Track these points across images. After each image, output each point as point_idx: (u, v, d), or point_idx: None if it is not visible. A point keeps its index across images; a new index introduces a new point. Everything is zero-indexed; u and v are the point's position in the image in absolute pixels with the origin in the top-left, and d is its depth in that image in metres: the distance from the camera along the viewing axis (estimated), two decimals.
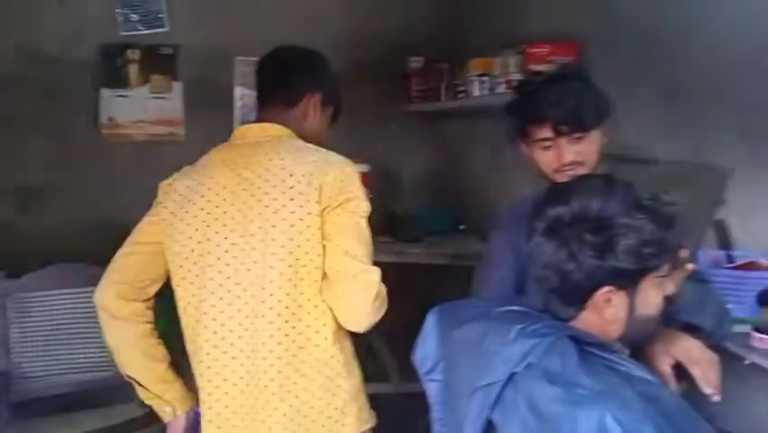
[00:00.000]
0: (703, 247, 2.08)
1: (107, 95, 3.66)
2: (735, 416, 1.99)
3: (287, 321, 1.42)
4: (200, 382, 1.50)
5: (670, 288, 1.14)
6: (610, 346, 1.06)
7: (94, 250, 3.13)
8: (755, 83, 2.01)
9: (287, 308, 1.42)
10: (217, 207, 1.49)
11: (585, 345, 1.02)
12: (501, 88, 2.91)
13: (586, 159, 1.45)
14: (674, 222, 1.07)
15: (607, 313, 1.08)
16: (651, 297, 1.10)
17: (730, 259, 1.96)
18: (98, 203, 3.58)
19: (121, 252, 1.61)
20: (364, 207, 1.49)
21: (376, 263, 1.48)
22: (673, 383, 1.20)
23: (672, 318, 1.31)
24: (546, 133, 1.43)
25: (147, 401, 1.59)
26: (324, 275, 1.43)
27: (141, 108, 3.73)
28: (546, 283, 1.11)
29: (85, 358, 2.57)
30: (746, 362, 1.65)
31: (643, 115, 2.42)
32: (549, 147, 1.44)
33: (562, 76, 1.49)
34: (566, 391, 0.91)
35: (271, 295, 1.42)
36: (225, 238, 1.46)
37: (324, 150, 1.55)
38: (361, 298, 1.38)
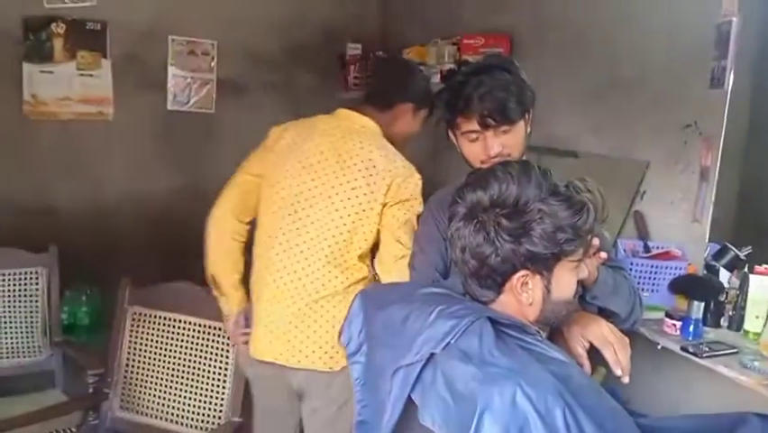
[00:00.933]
0: (622, 237, 2.18)
1: (31, 70, 3.49)
2: (649, 399, 2.10)
3: (330, 271, 1.75)
4: (253, 287, 1.91)
5: (584, 272, 1.19)
6: (527, 328, 1.09)
7: (15, 234, 3.01)
8: (673, 81, 2.11)
9: (334, 260, 1.75)
10: (311, 165, 1.81)
11: (502, 327, 1.05)
12: (436, 78, 2.94)
13: (512, 150, 1.48)
14: (588, 208, 1.11)
15: (523, 296, 1.11)
16: (566, 281, 1.13)
17: (647, 248, 2.06)
18: (20, 185, 3.42)
19: (233, 180, 2.07)
20: (418, 208, 1.76)
21: None
22: (587, 365, 1.26)
23: (589, 304, 1.38)
24: (473, 126, 1.45)
25: (217, 296, 1.97)
26: (376, 250, 1.79)
27: (66, 85, 3.56)
28: (465, 267, 1.13)
29: (4, 343, 2.47)
30: (659, 347, 1.74)
31: (570, 109, 2.51)
32: (476, 139, 1.46)
33: (487, 67, 1.50)
34: (481, 370, 0.94)
35: (328, 247, 1.76)
36: (309, 190, 1.80)
37: (399, 155, 1.83)
38: (401, 271, 1.67)
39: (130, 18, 3.64)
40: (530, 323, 1.12)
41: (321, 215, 1.78)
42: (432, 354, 1.03)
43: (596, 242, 1.20)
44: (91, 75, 3.64)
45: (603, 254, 1.28)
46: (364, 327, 1.25)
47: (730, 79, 1.90)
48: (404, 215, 1.75)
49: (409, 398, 1.07)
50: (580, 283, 1.23)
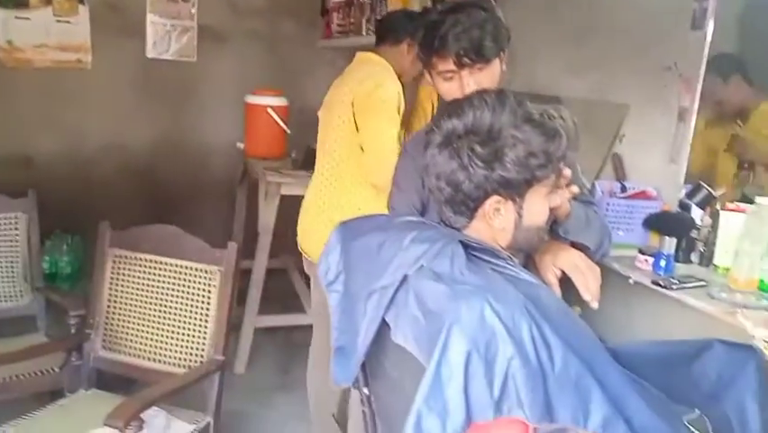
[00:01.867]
0: (601, 179, 2.20)
1: (6, 16, 3.42)
2: (622, 333, 2.16)
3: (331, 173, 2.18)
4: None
5: (555, 200, 1.21)
6: (498, 253, 1.12)
7: None
8: (654, 24, 2.11)
9: (336, 166, 2.16)
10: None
11: (474, 251, 1.08)
12: None
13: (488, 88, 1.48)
14: (560, 134, 1.13)
15: (495, 222, 1.14)
16: (537, 207, 1.16)
17: (624, 189, 2.09)
18: None
19: None
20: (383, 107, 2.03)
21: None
22: (557, 292, 1.29)
23: (561, 238, 1.41)
24: (448, 65, 1.43)
25: None
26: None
27: (43, 32, 3.51)
28: (440, 194, 1.16)
29: None
30: (631, 281, 1.78)
31: (551, 54, 2.50)
32: (451, 78, 1.45)
33: (462, 6, 1.46)
34: (451, 288, 0.97)
35: (333, 159, 2.18)
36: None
37: (380, 75, 2.08)
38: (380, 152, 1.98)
39: None
40: (502, 249, 1.15)
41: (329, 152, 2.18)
42: (405, 277, 1.06)
43: (567, 172, 1.22)
44: (68, 21, 3.58)
45: (574, 188, 1.30)
46: (342, 257, 1.27)
47: (711, 20, 1.90)
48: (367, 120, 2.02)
49: (384, 321, 1.10)
50: (554, 217, 1.26)
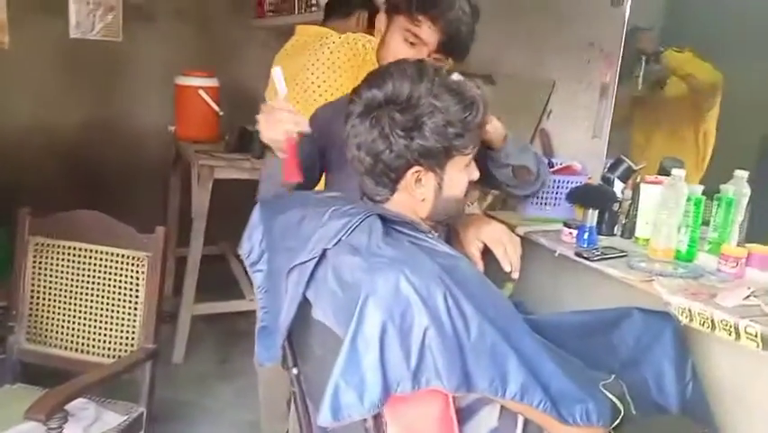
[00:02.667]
0: None
1: None
2: (550, 306, 2.21)
3: None
4: None
5: (474, 173, 1.22)
6: (418, 226, 1.13)
7: None
8: (575, 2, 2.15)
9: None
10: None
11: (393, 225, 1.09)
12: None
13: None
14: (477, 104, 1.14)
15: (416, 192, 1.15)
16: (457, 179, 1.18)
17: (551, 165, 2.13)
18: None
19: None
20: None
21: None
22: (480, 264, 1.32)
23: (504, 166, 1.44)
24: (428, 35, 1.39)
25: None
26: None
27: None
28: (360, 165, 1.16)
29: None
30: (556, 254, 1.83)
31: (482, 32, 2.50)
32: (413, 45, 1.41)
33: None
34: (366, 261, 0.97)
35: None
36: None
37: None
38: None
39: None
40: (422, 220, 1.16)
41: None
42: (324, 252, 1.05)
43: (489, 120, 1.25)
44: None
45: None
46: (265, 236, 1.26)
47: None
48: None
49: (306, 299, 1.10)
50: (489, 147, 1.31)
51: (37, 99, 3.58)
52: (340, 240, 1.03)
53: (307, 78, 1.97)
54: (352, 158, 1.16)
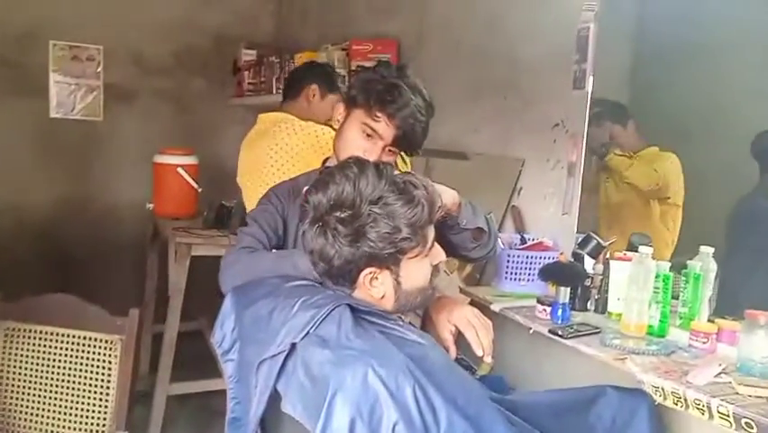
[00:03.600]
0: (501, 232, 2.28)
1: None
2: (530, 381, 2.21)
3: None
4: None
5: (437, 257, 1.24)
6: (386, 315, 1.14)
7: None
8: (541, 83, 2.24)
9: None
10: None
11: (363, 314, 1.10)
12: None
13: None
14: (422, 204, 1.14)
15: (373, 291, 1.16)
16: (416, 270, 1.18)
17: (524, 241, 2.17)
18: None
19: None
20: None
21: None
22: (452, 349, 1.32)
23: (462, 230, 1.47)
24: (383, 129, 1.45)
25: None
26: None
27: None
28: (316, 268, 1.18)
29: None
30: (531, 331, 1.84)
31: (451, 111, 2.60)
32: (369, 137, 1.46)
33: (418, 88, 1.48)
34: (335, 354, 0.98)
35: None
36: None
37: (288, 129, 2.12)
38: None
39: (6, 21, 3.48)
40: (389, 312, 1.17)
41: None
42: (294, 345, 1.06)
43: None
44: None
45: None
46: (237, 325, 1.26)
47: (590, 81, 2.04)
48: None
49: (276, 391, 1.09)
50: (446, 215, 1.33)
51: (10, 178, 3.58)
52: (308, 333, 1.03)
53: (267, 162, 2.10)
54: (311, 261, 1.18)
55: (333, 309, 1.05)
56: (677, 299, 1.76)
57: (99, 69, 3.73)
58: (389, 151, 1.49)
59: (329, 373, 0.96)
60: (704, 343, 1.61)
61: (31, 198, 3.64)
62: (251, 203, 2.22)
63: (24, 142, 3.61)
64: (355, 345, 0.99)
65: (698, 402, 1.35)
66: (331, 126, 2.27)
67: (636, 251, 1.79)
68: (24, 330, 2.04)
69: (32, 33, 3.54)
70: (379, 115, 1.45)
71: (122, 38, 3.74)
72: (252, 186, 2.19)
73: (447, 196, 1.36)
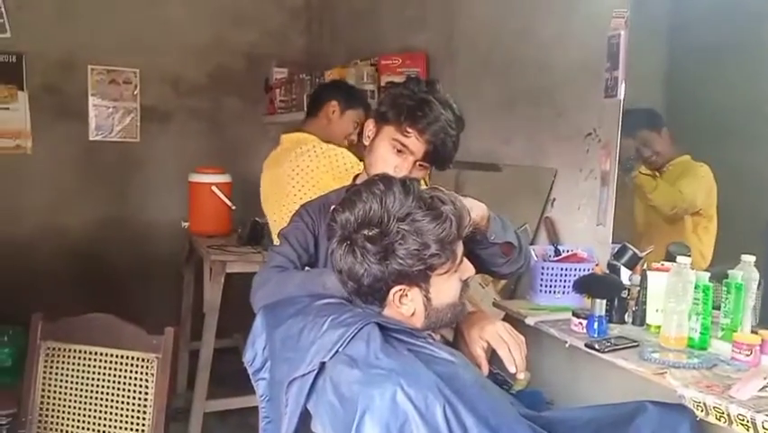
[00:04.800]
0: (535, 244, 2.25)
1: None
2: (569, 396, 2.17)
3: None
4: None
5: (467, 272, 1.22)
6: (416, 332, 1.13)
7: None
8: (572, 92, 2.21)
9: None
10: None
11: (391, 332, 1.09)
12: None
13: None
14: (450, 219, 1.13)
15: (403, 309, 1.15)
16: (446, 286, 1.17)
17: (557, 252, 2.13)
18: None
19: None
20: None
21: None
22: (484, 365, 1.30)
23: (491, 245, 1.44)
24: (414, 144, 1.45)
25: None
26: None
27: None
28: (345, 287, 1.18)
29: None
30: (567, 345, 1.80)
31: (482, 123, 2.59)
32: (400, 153, 1.47)
33: (448, 103, 1.48)
34: (364, 373, 0.97)
35: None
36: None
37: (309, 152, 2.16)
38: None
39: (47, 49, 3.59)
40: (419, 329, 1.15)
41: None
42: (323, 363, 1.05)
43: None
44: (7, 108, 3.58)
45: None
46: (267, 344, 1.26)
47: (622, 89, 2.00)
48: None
49: (307, 410, 1.09)
50: (476, 232, 1.31)
51: (54, 199, 3.69)
52: (337, 351, 1.03)
53: (287, 184, 2.15)
54: (339, 280, 1.18)
55: (361, 328, 1.05)
56: (718, 309, 1.70)
57: (136, 92, 3.82)
58: (420, 166, 1.49)
59: (358, 392, 0.95)
60: (747, 355, 1.55)
61: (72, 218, 3.75)
62: (275, 228, 2.28)
63: (66, 164, 3.72)
64: (384, 364, 0.98)
65: (741, 418, 1.30)
66: (351, 142, 2.33)
67: (674, 261, 1.74)
68: (64, 349, 2.09)
69: (71, 60, 3.65)
70: (409, 130, 1.45)
71: (157, 61, 3.83)
72: (274, 211, 2.28)
73: (475, 209, 1.35)
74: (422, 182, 1.48)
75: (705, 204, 2.02)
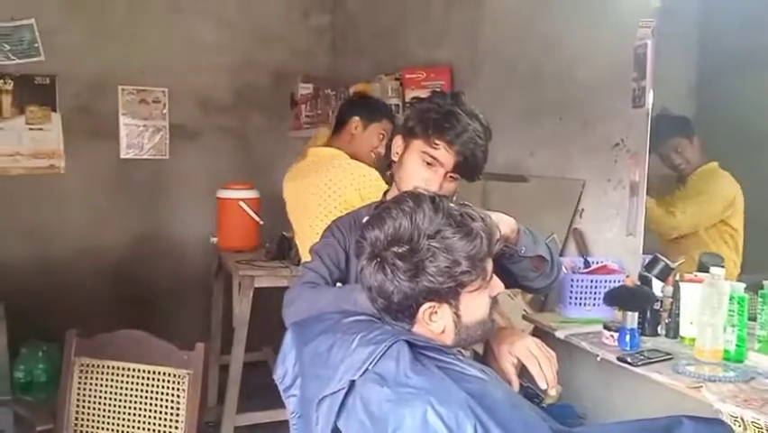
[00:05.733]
0: (564, 255, 2.23)
1: None
2: (601, 410, 2.13)
3: None
4: None
5: (496, 288, 1.22)
6: (446, 349, 1.12)
7: None
8: (599, 103, 2.20)
9: None
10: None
11: (421, 349, 1.08)
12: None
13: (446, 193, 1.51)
14: (481, 237, 1.12)
15: (432, 326, 1.14)
16: (476, 303, 1.16)
17: (587, 264, 2.11)
18: None
19: None
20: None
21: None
22: (515, 381, 1.29)
23: (521, 259, 1.43)
24: (443, 156, 1.45)
25: None
26: None
27: (16, 140, 3.58)
28: (375, 304, 1.17)
29: None
30: (598, 358, 1.77)
31: (508, 135, 2.58)
32: (430, 166, 1.47)
33: (476, 114, 1.48)
34: (394, 392, 0.97)
35: None
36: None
37: (341, 168, 2.21)
38: None
39: (78, 71, 3.68)
40: (449, 347, 1.15)
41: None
42: (353, 381, 1.05)
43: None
44: (41, 129, 3.67)
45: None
46: (297, 361, 1.27)
47: (650, 98, 1.98)
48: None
49: (337, 428, 1.09)
50: (506, 246, 1.31)
51: (87, 217, 3.77)
52: (367, 369, 1.03)
53: (314, 194, 2.19)
54: (369, 298, 1.18)
55: (391, 346, 1.04)
56: (755, 321, 1.67)
57: (165, 111, 3.90)
58: (451, 177, 1.49)
59: (388, 411, 0.95)
60: None
61: (104, 236, 3.82)
62: (300, 240, 2.36)
63: (99, 183, 3.79)
64: (413, 382, 0.98)
65: None
66: (378, 155, 2.36)
67: (707, 271, 1.71)
68: (98, 366, 2.12)
69: (102, 81, 3.74)
70: (438, 142, 1.45)
71: (185, 80, 3.90)
72: (298, 222, 2.34)
73: (505, 224, 1.34)
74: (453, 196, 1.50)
75: (727, 213, 1.99)
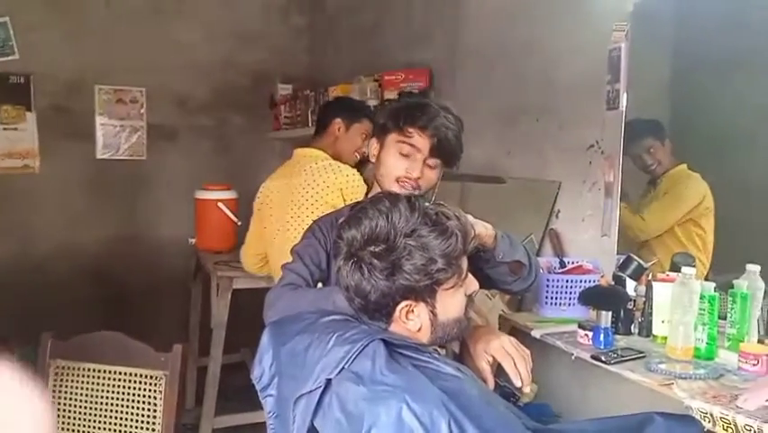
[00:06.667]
0: (540, 256, 2.26)
1: None
2: (576, 408, 2.16)
3: None
4: None
5: (472, 286, 1.23)
6: (422, 348, 1.14)
7: None
8: (574, 105, 2.23)
9: None
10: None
11: (397, 348, 1.09)
12: None
13: (424, 185, 1.52)
14: (456, 235, 1.14)
15: (409, 324, 1.16)
16: (452, 301, 1.18)
17: (563, 264, 2.14)
18: None
19: None
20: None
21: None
22: (490, 379, 1.31)
23: (498, 264, 1.46)
24: (418, 141, 1.47)
25: None
26: None
27: None
28: (352, 304, 1.18)
29: None
30: (573, 357, 1.80)
31: (485, 136, 2.61)
32: (407, 156, 1.49)
33: (447, 107, 1.53)
34: (370, 390, 0.97)
35: None
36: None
37: (328, 169, 2.23)
38: None
39: (54, 70, 3.64)
40: (425, 345, 1.16)
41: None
42: (329, 380, 1.06)
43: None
44: (15, 128, 3.62)
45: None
46: (274, 360, 1.27)
47: (624, 101, 2.01)
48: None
49: (314, 426, 1.09)
50: (481, 247, 1.33)
51: (63, 218, 3.73)
52: (343, 368, 1.04)
53: (297, 194, 2.21)
54: (346, 297, 1.19)
55: (367, 345, 1.05)
56: (725, 319, 1.70)
57: (142, 111, 3.87)
58: (429, 166, 1.50)
59: (364, 409, 0.96)
60: (754, 365, 1.55)
61: (80, 236, 3.78)
62: (272, 239, 2.36)
63: (73, 183, 3.75)
64: (389, 380, 0.99)
65: (748, 428, 1.30)
66: (362, 155, 2.38)
67: (679, 271, 1.75)
68: (73, 368, 2.10)
69: (78, 80, 3.70)
70: (411, 130, 1.48)
71: (163, 80, 3.88)
72: (279, 219, 2.31)
73: (480, 226, 1.36)
74: (430, 193, 1.52)
75: (697, 211, 2.04)
